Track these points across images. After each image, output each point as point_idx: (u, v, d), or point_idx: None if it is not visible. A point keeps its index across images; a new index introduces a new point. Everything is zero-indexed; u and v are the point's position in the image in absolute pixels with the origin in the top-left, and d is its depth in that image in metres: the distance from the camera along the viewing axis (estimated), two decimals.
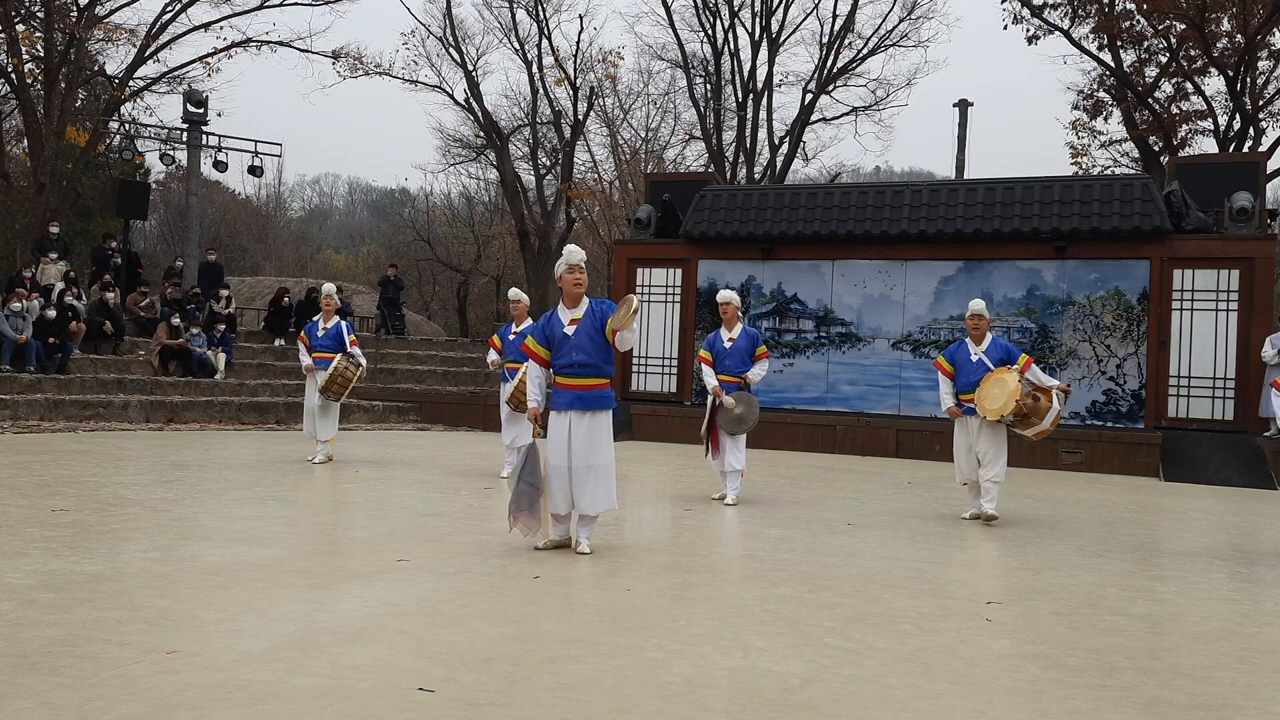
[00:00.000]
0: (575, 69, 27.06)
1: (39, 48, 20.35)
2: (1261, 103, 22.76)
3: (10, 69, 19.74)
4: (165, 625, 3.86)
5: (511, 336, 9.44)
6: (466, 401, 16.28)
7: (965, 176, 23.84)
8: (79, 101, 22.74)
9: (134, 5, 21.55)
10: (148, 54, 21.37)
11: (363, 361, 9.86)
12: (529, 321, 9.41)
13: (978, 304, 7.73)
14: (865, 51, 27.19)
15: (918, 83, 59.65)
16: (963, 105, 24.93)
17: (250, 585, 4.56)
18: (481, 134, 27.99)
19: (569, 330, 5.78)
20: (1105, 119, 25.50)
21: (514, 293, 9.79)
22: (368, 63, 24.76)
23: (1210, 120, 23.36)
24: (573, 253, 5.80)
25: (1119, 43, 23.33)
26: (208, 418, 13.80)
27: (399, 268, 24.59)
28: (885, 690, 3.48)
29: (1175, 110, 23.94)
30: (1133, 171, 23.97)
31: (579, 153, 29.01)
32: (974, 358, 7.59)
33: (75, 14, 20.15)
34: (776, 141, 27.50)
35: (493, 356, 9.70)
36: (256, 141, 21.25)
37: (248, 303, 25.02)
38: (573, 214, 30.03)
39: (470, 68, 26.51)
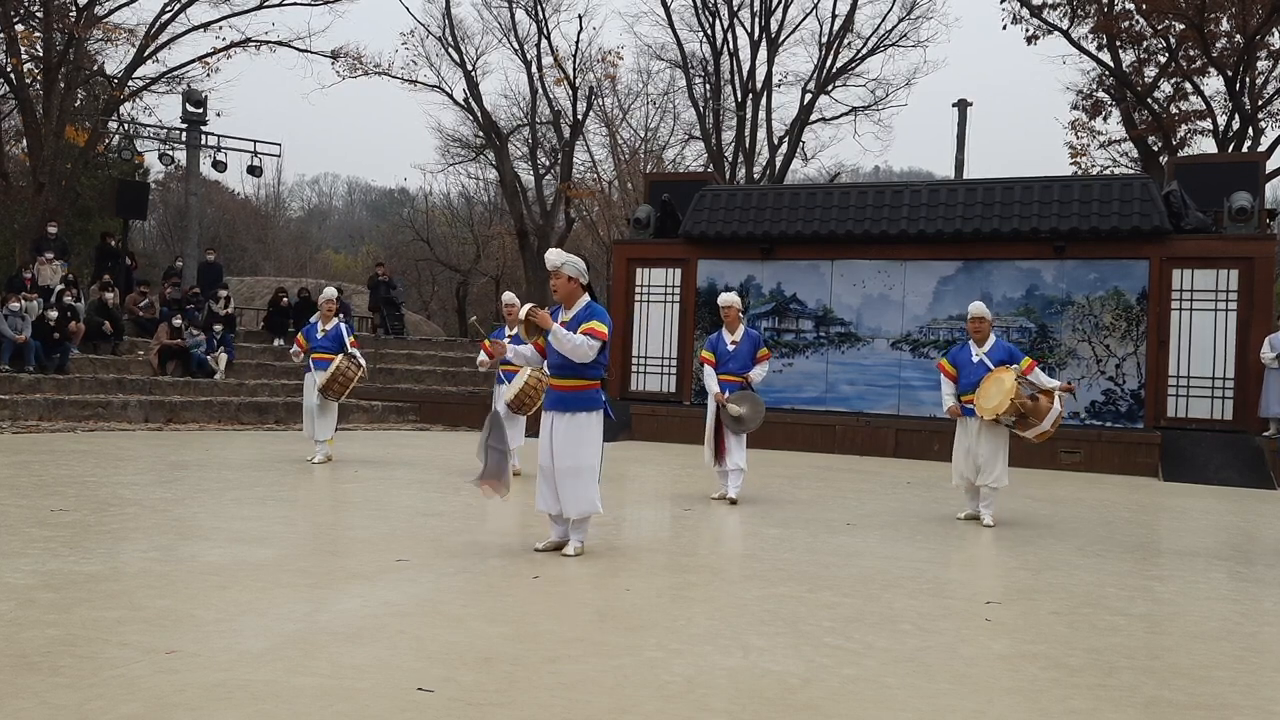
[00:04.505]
0: (574, 69, 27.07)
1: (38, 47, 20.34)
2: (1260, 103, 22.77)
3: (9, 69, 19.73)
4: (165, 625, 3.86)
5: (506, 340, 9.45)
6: (466, 401, 16.27)
7: (964, 176, 23.85)
8: (78, 101, 22.73)
9: (133, 5, 21.55)
10: (147, 54, 21.36)
11: (363, 362, 9.87)
12: None
13: (977, 306, 7.72)
14: (864, 51, 27.21)
15: (917, 83, 59.68)
16: (962, 105, 24.94)
17: (250, 585, 4.56)
18: (481, 134, 27.99)
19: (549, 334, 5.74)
20: (1104, 119, 25.53)
21: (508, 296, 9.85)
22: (367, 62, 24.79)
23: (1209, 120, 23.38)
24: (548, 258, 5.71)
25: (1118, 43, 23.34)
26: (207, 418, 13.79)
27: (389, 267, 24.46)
28: (885, 690, 3.48)
29: (1174, 110, 23.96)
30: (1132, 171, 23.97)
31: (578, 152, 29.05)
32: (975, 359, 7.58)
33: (74, 14, 20.14)
34: (776, 141, 27.50)
35: (482, 357, 9.73)
36: (256, 141, 21.27)
37: (247, 303, 25.01)
38: (572, 214, 30.03)
39: (469, 68, 26.53)
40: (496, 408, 6.26)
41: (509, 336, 9.41)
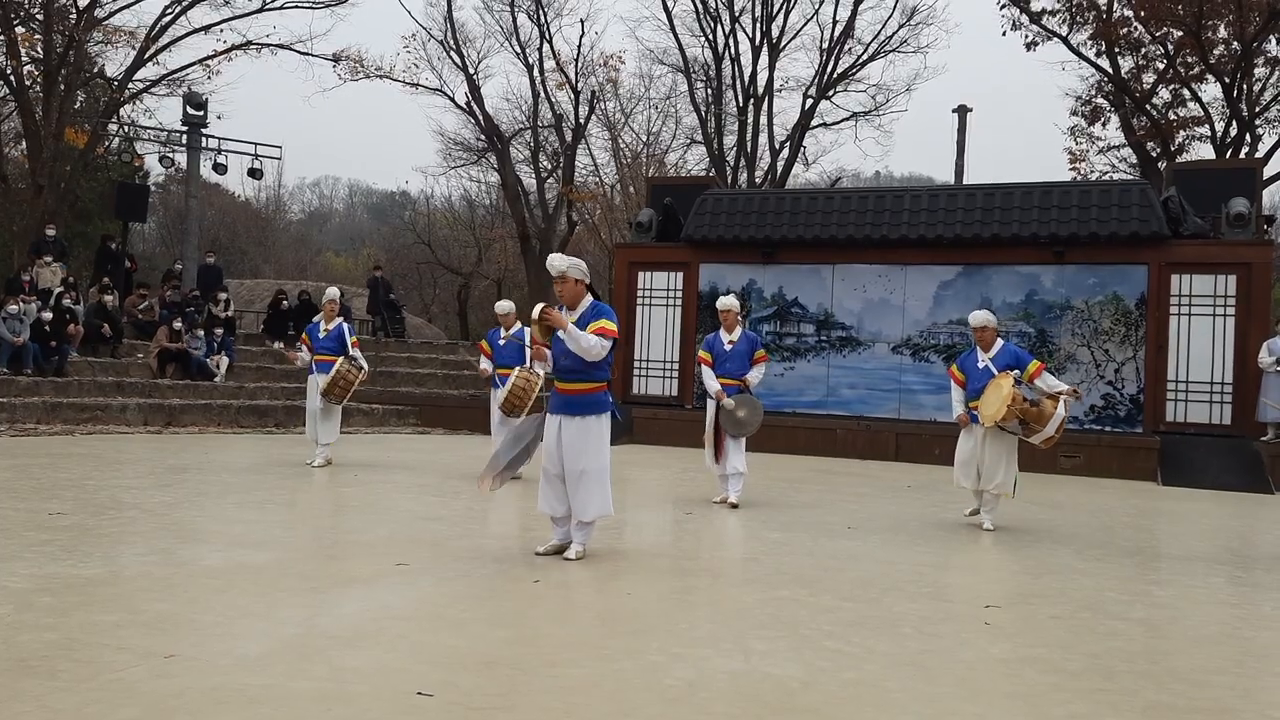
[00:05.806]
0: (576, 73, 27.13)
1: (38, 50, 20.37)
2: (1258, 109, 22.83)
3: (9, 71, 19.75)
4: (163, 629, 3.86)
5: (501, 342, 9.49)
6: (466, 405, 16.26)
7: (965, 181, 23.88)
8: (78, 104, 22.75)
9: (134, 7, 21.50)
10: (147, 56, 21.40)
11: (364, 364, 9.86)
12: (518, 325, 9.47)
13: (977, 316, 7.68)
14: (865, 57, 27.26)
15: (917, 88, 59.72)
16: (962, 111, 25.00)
17: (249, 589, 4.55)
18: (483, 137, 28.02)
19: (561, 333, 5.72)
20: (1103, 125, 25.58)
21: (500, 306, 9.89)
22: (368, 66, 24.81)
23: (1207, 126, 23.43)
24: (551, 264, 5.67)
25: (1117, 49, 23.39)
26: (206, 421, 13.78)
27: (388, 270, 24.39)
28: (885, 694, 3.48)
29: (1173, 116, 24.01)
30: (1131, 177, 24.00)
31: (580, 156, 29.07)
32: (980, 364, 7.58)
33: (74, 16, 20.16)
34: (777, 146, 27.54)
35: (484, 365, 9.74)
36: (256, 144, 21.28)
37: (247, 305, 24.98)
38: (574, 217, 30.04)
39: (471, 71, 26.57)
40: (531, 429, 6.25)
41: (503, 339, 9.47)
